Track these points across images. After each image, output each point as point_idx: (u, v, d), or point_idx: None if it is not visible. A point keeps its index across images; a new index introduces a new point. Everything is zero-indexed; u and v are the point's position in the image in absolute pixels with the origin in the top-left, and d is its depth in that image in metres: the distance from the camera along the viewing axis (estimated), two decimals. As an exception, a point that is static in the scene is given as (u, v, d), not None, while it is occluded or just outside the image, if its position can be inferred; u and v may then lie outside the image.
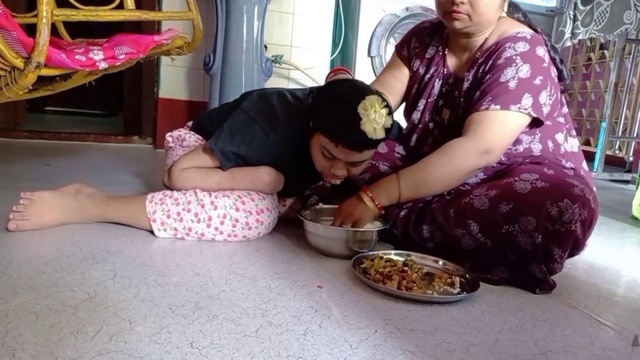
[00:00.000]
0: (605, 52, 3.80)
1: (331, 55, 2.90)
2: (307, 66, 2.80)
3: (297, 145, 1.22)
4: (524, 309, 0.98)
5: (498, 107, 1.14)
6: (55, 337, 0.71)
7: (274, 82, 2.62)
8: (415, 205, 1.25)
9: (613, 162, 3.38)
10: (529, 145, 1.23)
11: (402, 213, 1.25)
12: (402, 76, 1.43)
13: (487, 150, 1.14)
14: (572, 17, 3.05)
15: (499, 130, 1.15)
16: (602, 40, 3.78)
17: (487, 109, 1.15)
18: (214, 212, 1.18)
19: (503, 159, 1.22)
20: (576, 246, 1.10)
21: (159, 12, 1.87)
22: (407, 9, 2.72)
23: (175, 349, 0.71)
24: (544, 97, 1.17)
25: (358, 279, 1.03)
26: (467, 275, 1.07)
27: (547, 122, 1.22)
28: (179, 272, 1.00)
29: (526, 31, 1.21)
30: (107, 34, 1.38)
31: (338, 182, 1.22)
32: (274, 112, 1.22)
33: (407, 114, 1.44)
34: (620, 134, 3.38)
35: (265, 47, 2.52)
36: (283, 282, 1.00)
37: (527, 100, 1.15)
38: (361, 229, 1.17)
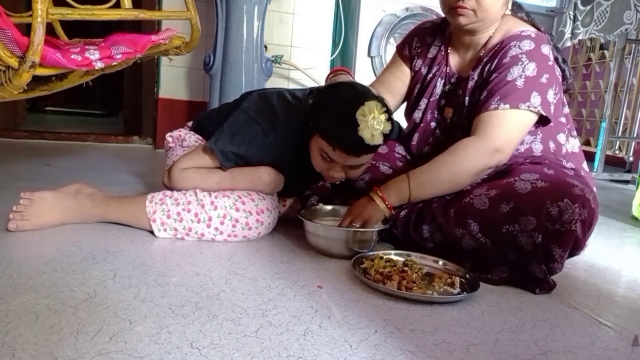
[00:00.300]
0: (605, 52, 3.80)
1: (331, 56, 2.90)
2: (307, 66, 2.80)
3: (297, 145, 1.22)
4: (524, 309, 0.98)
5: (507, 106, 1.14)
6: (55, 337, 0.71)
7: (274, 82, 2.62)
8: (415, 205, 1.25)
9: (613, 162, 3.38)
10: (530, 145, 1.23)
11: (402, 213, 1.25)
12: (403, 76, 1.43)
13: (497, 149, 1.14)
14: (572, 17, 3.05)
15: (509, 129, 1.15)
16: (602, 40, 3.78)
17: (496, 108, 1.15)
18: (214, 212, 1.18)
19: None
20: (576, 246, 1.10)
21: (157, 11, 1.87)
22: (407, 9, 2.72)
23: (175, 349, 0.71)
24: (551, 96, 1.17)
25: (358, 279, 1.03)
26: (467, 275, 1.06)
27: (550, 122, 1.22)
28: (179, 272, 1.00)
29: (530, 30, 1.21)
30: (107, 33, 1.37)
31: (337, 182, 1.23)
32: (274, 112, 1.22)
33: (408, 114, 1.43)
34: (620, 134, 3.38)
35: (265, 47, 2.52)
36: (283, 282, 1.00)
37: (536, 99, 1.15)
38: (361, 229, 1.17)
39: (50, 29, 1.20)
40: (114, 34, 1.33)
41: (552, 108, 1.18)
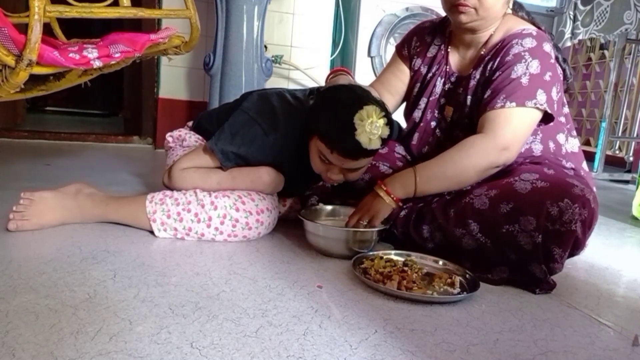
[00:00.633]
0: (605, 52, 3.80)
1: (331, 55, 2.90)
2: (307, 66, 2.80)
3: (297, 145, 1.22)
4: (524, 309, 0.98)
5: (514, 104, 1.14)
6: (55, 337, 0.71)
7: (274, 82, 2.62)
8: (415, 205, 1.25)
9: (613, 162, 3.38)
10: (530, 145, 1.23)
11: (402, 213, 1.25)
12: (403, 76, 1.43)
13: (505, 147, 1.14)
14: (572, 17, 3.05)
15: (516, 126, 1.15)
16: (602, 40, 3.78)
17: (502, 106, 1.14)
18: (214, 212, 1.18)
19: None
20: (576, 246, 1.10)
21: (156, 9, 1.86)
22: (407, 9, 2.72)
23: (175, 349, 0.71)
24: (554, 93, 1.17)
25: (358, 279, 1.03)
26: (467, 275, 1.06)
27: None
28: (179, 272, 1.00)
29: (531, 28, 1.21)
30: (106, 34, 1.37)
31: (336, 184, 1.23)
32: (274, 112, 1.22)
33: (408, 113, 1.43)
34: (620, 134, 3.38)
35: (265, 47, 2.52)
36: (283, 282, 1.00)
37: (541, 96, 1.15)
38: (361, 229, 1.17)
39: (48, 30, 1.19)
40: (112, 33, 1.32)
41: (555, 106, 1.18)
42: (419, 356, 0.75)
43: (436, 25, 1.39)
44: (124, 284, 0.92)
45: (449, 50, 1.34)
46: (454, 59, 1.33)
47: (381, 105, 1.10)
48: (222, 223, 1.19)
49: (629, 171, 3.20)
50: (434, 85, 1.34)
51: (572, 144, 1.29)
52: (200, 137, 1.39)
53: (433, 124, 1.35)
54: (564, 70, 1.27)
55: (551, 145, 1.24)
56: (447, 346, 0.80)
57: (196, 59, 2.62)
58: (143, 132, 2.88)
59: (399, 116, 1.47)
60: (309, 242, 1.22)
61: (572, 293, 1.09)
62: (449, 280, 1.04)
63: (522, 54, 1.16)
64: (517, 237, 1.05)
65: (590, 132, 3.95)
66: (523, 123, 1.16)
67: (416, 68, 1.40)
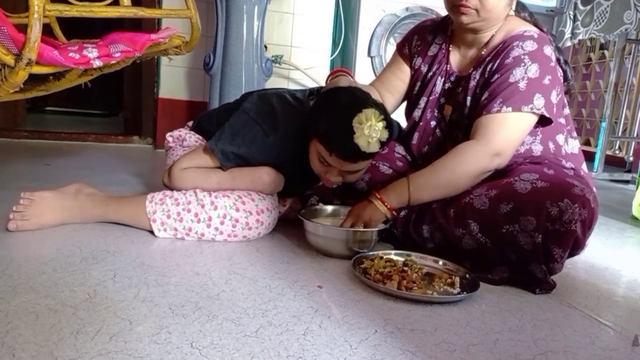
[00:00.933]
0: (605, 52, 3.80)
1: (331, 55, 2.90)
2: (307, 66, 2.80)
3: (297, 146, 1.22)
4: (524, 309, 0.98)
5: (510, 109, 1.14)
6: (55, 337, 0.71)
7: (274, 82, 2.62)
8: (415, 205, 1.24)
9: (613, 162, 3.38)
10: (530, 146, 1.23)
11: (402, 213, 1.25)
12: (404, 75, 1.43)
13: (497, 153, 1.14)
14: (572, 17, 3.05)
15: (509, 132, 1.15)
16: (602, 40, 3.78)
17: (498, 111, 1.15)
18: (214, 212, 1.18)
19: None
20: (576, 246, 1.10)
21: (156, 9, 1.86)
22: (407, 9, 2.72)
23: (175, 349, 0.71)
24: (554, 97, 1.17)
25: (358, 279, 1.03)
26: (467, 275, 1.06)
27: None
28: (179, 272, 1.00)
29: (533, 30, 1.20)
30: (107, 34, 1.37)
31: (335, 185, 1.23)
32: (275, 113, 1.22)
33: (408, 112, 1.43)
34: (620, 134, 3.38)
35: (265, 47, 2.52)
36: (283, 282, 1.00)
37: (539, 101, 1.15)
38: (361, 229, 1.17)
39: (48, 31, 1.19)
40: (112, 33, 1.32)
41: (554, 109, 1.18)
42: (419, 356, 0.75)
43: (437, 24, 1.39)
44: (124, 284, 0.92)
45: (450, 49, 1.34)
46: (455, 58, 1.33)
47: (380, 108, 1.10)
48: (222, 223, 1.19)
49: (629, 171, 3.20)
50: (434, 85, 1.34)
51: (572, 145, 1.29)
52: (200, 137, 1.39)
53: (433, 123, 1.35)
54: (565, 71, 1.27)
55: (551, 145, 1.24)
56: (447, 346, 0.80)
57: (196, 59, 2.62)
58: (143, 132, 2.88)
59: (399, 116, 1.47)
60: (309, 242, 1.22)
61: (572, 293, 1.09)
62: (449, 280, 1.04)
63: (522, 57, 1.16)
64: (517, 237, 1.05)
65: (590, 132, 3.95)
66: (518, 128, 1.16)
67: (417, 67, 1.40)
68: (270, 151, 1.22)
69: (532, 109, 1.14)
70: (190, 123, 1.46)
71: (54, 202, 1.19)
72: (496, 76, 1.18)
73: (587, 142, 3.89)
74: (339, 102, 1.11)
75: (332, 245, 1.18)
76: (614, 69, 2.94)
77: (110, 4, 1.47)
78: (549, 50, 1.18)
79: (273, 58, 2.61)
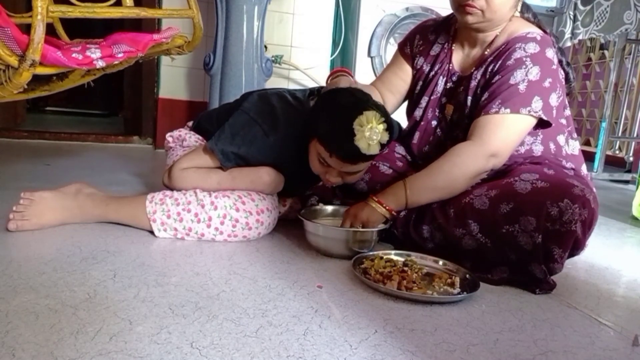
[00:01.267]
0: (605, 52, 3.80)
1: (331, 55, 2.90)
2: (307, 66, 2.79)
3: (297, 146, 1.22)
4: (524, 309, 0.98)
5: (508, 110, 1.14)
6: (55, 337, 0.71)
7: (274, 82, 2.62)
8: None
9: (613, 162, 3.38)
10: (531, 146, 1.23)
11: (402, 213, 1.25)
12: (405, 75, 1.43)
13: (493, 154, 1.15)
14: (572, 17, 3.05)
15: (505, 133, 1.15)
16: (602, 40, 3.78)
17: (497, 112, 1.15)
18: (214, 212, 1.18)
19: None
20: (576, 246, 1.10)
21: (159, 9, 1.86)
22: (407, 9, 2.72)
23: (175, 349, 0.71)
24: (554, 99, 1.18)
25: (358, 279, 1.03)
26: (467, 275, 1.06)
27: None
28: (179, 272, 1.00)
29: (536, 32, 1.20)
30: (108, 34, 1.37)
31: (334, 185, 1.23)
32: (275, 113, 1.22)
33: (409, 112, 1.43)
34: (620, 134, 3.38)
35: (265, 47, 2.52)
36: (283, 282, 1.00)
37: (537, 103, 1.15)
38: (361, 229, 1.17)
39: (51, 30, 1.19)
40: (115, 33, 1.32)
41: (554, 112, 1.18)
42: (419, 356, 0.75)
43: (439, 24, 1.39)
44: (124, 284, 0.92)
45: (453, 47, 1.33)
46: (457, 57, 1.33)
47: (381, 110, 1.10)
48: (222, 223, 1.19)
49: (629, 171, 3.20)
50: (436, 84, 1.34)
51: (573, 146, 1.29)
52: (200, 137, 1.39)
53: (434, 123, 1.35)
54: (567, 73, 1.27)
55: (552, 146, 1.24)
56: (447, 346, 0.80)
57: (196, 59, 2.62)
58: (143, 132, 2.88)
59: (400, 115, 1.47)
60: (309, 242, 1.22)
61: (572, 293, 1.09)
62: (449, 280, 1.04)
63: (524, 59, 1.16)
64: (517, 237, 1.05)
65: (590, 132, 3.95)
66: (514, 130, 1.16)
67: (419, 67, 1.39)
68: (271, 151, 1.22)
69: (529, 111, 1.14)
70: (190, 123, 1.46)
71: (54, 202, 1.19)
72: (497, 77, 1.18)
73: (587, 142, 3.89)
74: (340, 104, 1.11)
75: (332, 245, 1.18)
76: (614, 69, 2.94)
77: (112, 5, 1.48)
78: (551, 53, 1.18)
79: (273, 58, 2.61)
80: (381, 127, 1.07)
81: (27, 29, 1.12)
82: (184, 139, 1.39)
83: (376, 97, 1.38)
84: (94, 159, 2.31)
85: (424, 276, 1.07)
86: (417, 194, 1.17)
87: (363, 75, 2.68)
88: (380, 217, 1.18)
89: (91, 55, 1.17)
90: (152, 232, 1.21)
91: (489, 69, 1.22)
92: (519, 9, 1.25)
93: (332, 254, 1.18)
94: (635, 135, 3.35)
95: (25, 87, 1.12)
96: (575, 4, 3.03)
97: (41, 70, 1.10)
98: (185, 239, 1.20)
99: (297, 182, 1.35)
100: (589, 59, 3.99)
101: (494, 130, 1.15)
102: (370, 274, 1.03)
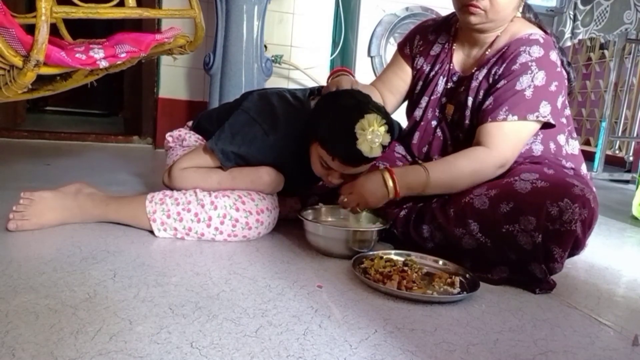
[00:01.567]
0: (605, 52, 3.80)
1: (331, 55, 2.90)
2: (307, 66, 2.79)
3: (298, 145, 1.22)
4: (524, 309, 0.98)
5: (515, 117, 1.15)
6: (55, 337, 0.71)
7: (274, 82, 2.62)
8: (415, 205, 1.24)
9: (613, 162, 3.38)
10: (530, 146, 1.23)
11: (402, 213, 1.25)
12: (405, 75, 1.43)
13: (503, 164, 1.16)
14: (572, 17, 3.05)
15: (515, 142, 1.17)
16: (602, 40, 3.78)
17: (504, 119, 1.15)
18: (214, 212, 1.18)
19: None
20: (576, 246, 1.10)
21: (160, 10, 1.86)
22: (407, 9, 2.72)
23: (175, 349, 0.71)
24: (559, 102, 1.18)
25: (358, 279, 1.03)
26: (467, 275, 1.06)
27: None
28: (179, 272, 1.00)
29: (538, 33, 1.20)
30: (108, 33, 1.37)
31: (336, 186, 1.23)
32: (275, 112, 1.22)
33: (409, 112, 1.43)
34: (620, 134, 3.38)
35: (265, 47, 2.52)
36: (283, 282, 1.00)
37: (545, 108, 1.16)
38: (361, 229, 1.17)
39: (54, 30, 1.20)
40: (118, 33, 1.33)
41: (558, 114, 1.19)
42: (419, 356, 0.75)
43: (439, 24, 1.39)
44: (124, 284, 0.92)
45: (453, 47, 1.33)
46: (458, 57, 1.33)
47: (382, 112, 1.10)
48: (222, 223, 1.19)
49: (629, 171, 3.20)
50: (436, 84, 1.34)
51: (573, 146, 1.29)
52: (200, 137, 1.39)
53: (434, 123, 1.35)
54: (568, 73, 1.27)
55: (552, 146, 1.24)
56: (447, 346, 0.80)
57: (196, 59, 2.62)
58: (143, 132, 2.88)
59: (400, 115, 1.47)
60: (309, 242, 1.22)
61: (572, 293, 1.09)
62: (449, 280, 1.04)
63: (529, 64, 1.16)
64: (517, 237, 1.05)
65: (590, 132, 3.95)
66: (523, 137, 1.18)
67: (419, 67, 1.39)
68: (271, 151, 1.22)
69: (537, 117, 1.15)
70: (190, 123, 1.46)
71: (54, 202, 1.19)
72: (502, 82, 1.18)
73: (587, 142, 3.89)
74: (341, 107, 1.11)
75: (332, 245, 1.18)
76: (614, 68, 2.94)
77: (115, 5, 1.48)
78: (554, 56, 1.19)
79: (273, 58, 2.61)
80: (382, 129, 1.07)
81: (30, 28, 1.12)
82: (183, 138, 1.39)
83: (376, 97, 1.38)
84: (94, 159, 2.31)
85: (424, 276, 1.07)
86: (432, 190, 1.17)
87: (363, 75, 2.68)
88: (383, 195, 1.15)
89: (94, 55, 1.17)
90: (152, 232, 1.21)
91: (493, 72, 1.22)
92: (520, 9, 1.25)
93: (332, 253, 1.18)
94: (635, 135, 3.35)
95: (30, 87, 1.12)
96: (575, 4, 3.03)
97: (45, 71, 1.11)
98: (185, 239, 1.20)
99: (297, 182, 1.35)
100: (589, 59, 3.99)
101: (505, 139, 1.16)
102: (370, 274, 1.03)
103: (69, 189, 1.24)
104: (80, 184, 1.27)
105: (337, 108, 1.12)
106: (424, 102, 1.36)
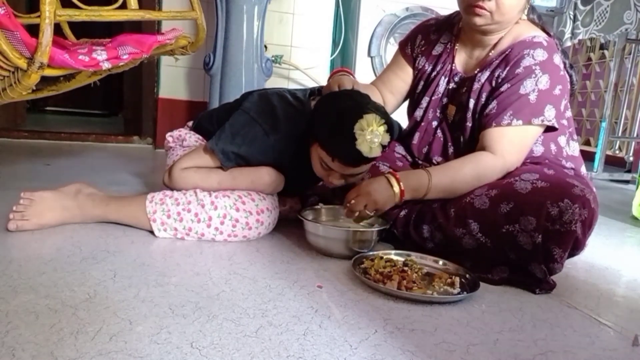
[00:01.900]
0: (605, 52, 3.80)
1: (331, 55, 2.90)
2: (307, 66, 2.79)
3: (298, 146, 1.22)
4: (524, 309, 0.98)
5: (520, 122, 1.15)
6: (55, 337, 0.71)
7: (274, 82, 2.62)
8: (415, 205, 1.24)
9: (613, 162, 3.38)
10: (531, 147, 1.23)
11: (402, 213, 1.25)
12: (405, 75, 1.43)
13: (508, 169, 1.17)
14: (572, 17, 3.05)
15: (521, 147, 1.18)
16: (602, 40, 3.78)
17: (509, 124, 1.15)
18: (214, 212, 1.18)
19: None
20: (576, 246, 1.10)
21: (162, 11, 1.87)
22: (407, 9, 2.72)
23: (175, 349, 0.71)
24: (563, 105, 1.18)
25: (358, 279, 1.03)
26: (467, 275, 1.06)
27: None
28: (179, 272, 1.00)
29: (541, 35, 1.20)
30: (108, 34, 1.38)
31: (337, 186, 1.23)
32: (275, 112, 1.22)
33: (410, 112, 1.43)
34: (620, 134, 3.38)
35: (265, 47, 2.52)
36: (283, 282, 1.00)
37: (550, 112, 1.16)
38: (361, 229, 1.17)
39: (57, 30, 1.20)
40: (120, 35, 1.33)
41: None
42: (419, 356, 0.75)
43: (442, 23, 1.39)
44: (124, 284, 0.92)
45: (456, 47, 1.33)
46: (460, 57, 1.33)
47: (381, 112, 1.10)
48: (222, 223, 1.19)
49: (629, 171, 3.20)
50: (437, 85, 1.34)
51: (573, 148, 1.29)
52: (201, 137, 1.39)
53: (434, 123, 1.35)
54: (570, 76, 1.27)
55: (552, 147, 1.24)
56: (447, 346, 0.80)
57: (196, 59, 2.62)
58: (143, 132, 2.88)
59: (401, 115, 1.47)
60: (309, 242, 1.22)
61: (572, 293, 1.09)
62: (449, 280, 1.04)
63: (533, 67, 1.16)
64: (517, 237, 1.05)
65: (590, 132, 3.95)
66: (527, 141, 1.19)
67: (420, 66, 1.39)
68: (271, 151, 1.22)
69: (542, 120, 1.16)
70: (190, 123, 1.46)
71: (54, 202, 1.19)
72: (506, 85, 1.18)
73: (587, 142, 3.89)
74: (340, 108, 1.11)
75: (332, 245, 1.18)
76: (614, 69, 2.94)
77: (117, 8, 1.48)
78: (558, 59, 1.19)
79: (273, 58, 2.61)
80: (382, 129, 1.07)
81: (31, 29, 1.12)
82: (184, 138, 1.39)
83: (376, 97, 1.38)
84: (94, 159, 2.31)
85: (424, 276, 1.07)
86: (435, 194, 1.17)
87: (363, 75, 2.68)
88: (390, 196, 1.14)
89: (97, 57, 1.18)
90: (152, 232, 1.21)
91: (496, 74, 1.21)
92: (525, 12, 1.24)
93: (332, 253, 1.18)
94: (635, 135, 3.35)
95: (34, 87, 1.13)
96: (575, 4, 3.03)
97: (49, 72, 1.12)
98: (185, 239, 1.20)
99: (298, 182, 1.35)
100: (589, 59, 3.99)
101: (510, 145, 1.16)
102: (370, 274, 1.03)
103: (69, 189, 1.24)
104: (80, 184, 1.27)
105: (335, 109, 1.12)
106: (424, 102, 1.36)
